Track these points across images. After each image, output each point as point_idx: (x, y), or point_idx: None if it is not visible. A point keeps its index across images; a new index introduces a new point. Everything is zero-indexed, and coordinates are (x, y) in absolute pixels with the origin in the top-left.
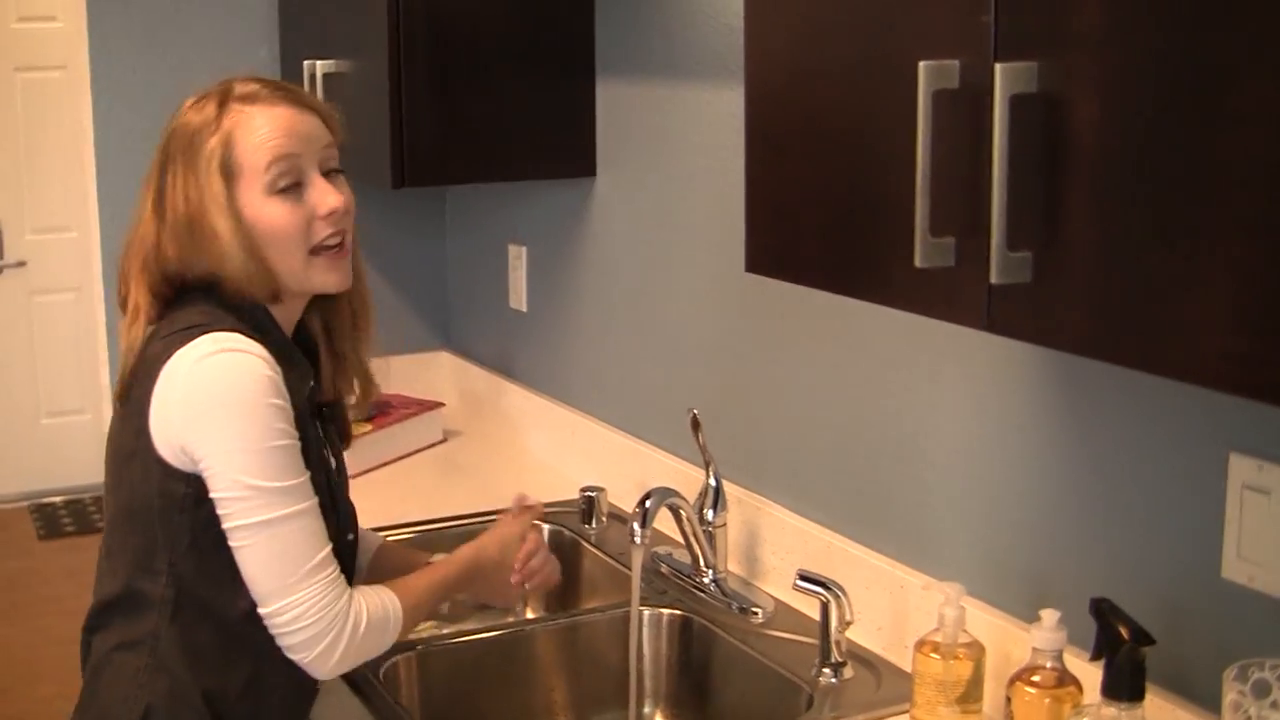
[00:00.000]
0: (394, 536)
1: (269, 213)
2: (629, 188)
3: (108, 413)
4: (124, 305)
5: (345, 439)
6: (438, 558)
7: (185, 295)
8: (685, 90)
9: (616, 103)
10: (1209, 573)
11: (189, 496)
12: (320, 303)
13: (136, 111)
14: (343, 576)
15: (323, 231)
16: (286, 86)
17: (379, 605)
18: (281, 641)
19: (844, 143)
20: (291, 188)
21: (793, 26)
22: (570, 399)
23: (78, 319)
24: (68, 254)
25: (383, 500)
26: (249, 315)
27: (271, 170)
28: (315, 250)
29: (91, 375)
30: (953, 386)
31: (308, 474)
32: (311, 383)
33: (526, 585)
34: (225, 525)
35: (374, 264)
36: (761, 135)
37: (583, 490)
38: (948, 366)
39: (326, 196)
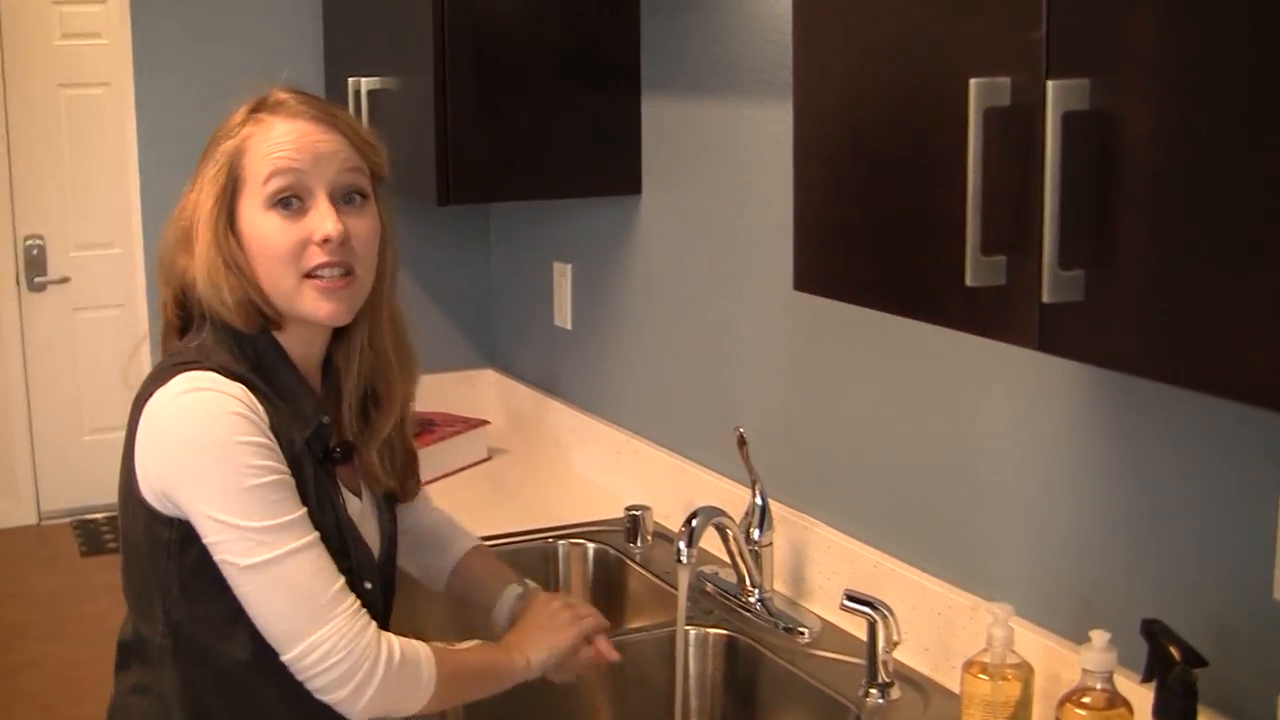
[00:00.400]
0: None
1: (262, 227)
2: (674, 205)
3: None
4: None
5: (396, 495)
6: (529, 583)
7: (197, 319)
8: (731, 106)
9: (662, 119)
10: (1261, 594)
11: (174, 542)
12: (340, 336)
13: (180, 128)
14: (364, 609)
15: (316, 258)
16: (319, 102)
17: (412, 651)
18: (311, 685)
19: (894, 160)
20: (291, 205)
21: (842, 44)
22: (615, 417)
23: (121, 335)
24: (111, 270)
25: None
26: (250, 346)
27: (271, 183)
28: (309, 275)
29: (135, 392)
30: (1002, 405)
31: (303, 509)
32: (324, 419)
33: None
34: (224, 571)
35: (420, 280)
36: (810, 153)
37: (628, 509)
38: (997, 385)
39: (325, 222)
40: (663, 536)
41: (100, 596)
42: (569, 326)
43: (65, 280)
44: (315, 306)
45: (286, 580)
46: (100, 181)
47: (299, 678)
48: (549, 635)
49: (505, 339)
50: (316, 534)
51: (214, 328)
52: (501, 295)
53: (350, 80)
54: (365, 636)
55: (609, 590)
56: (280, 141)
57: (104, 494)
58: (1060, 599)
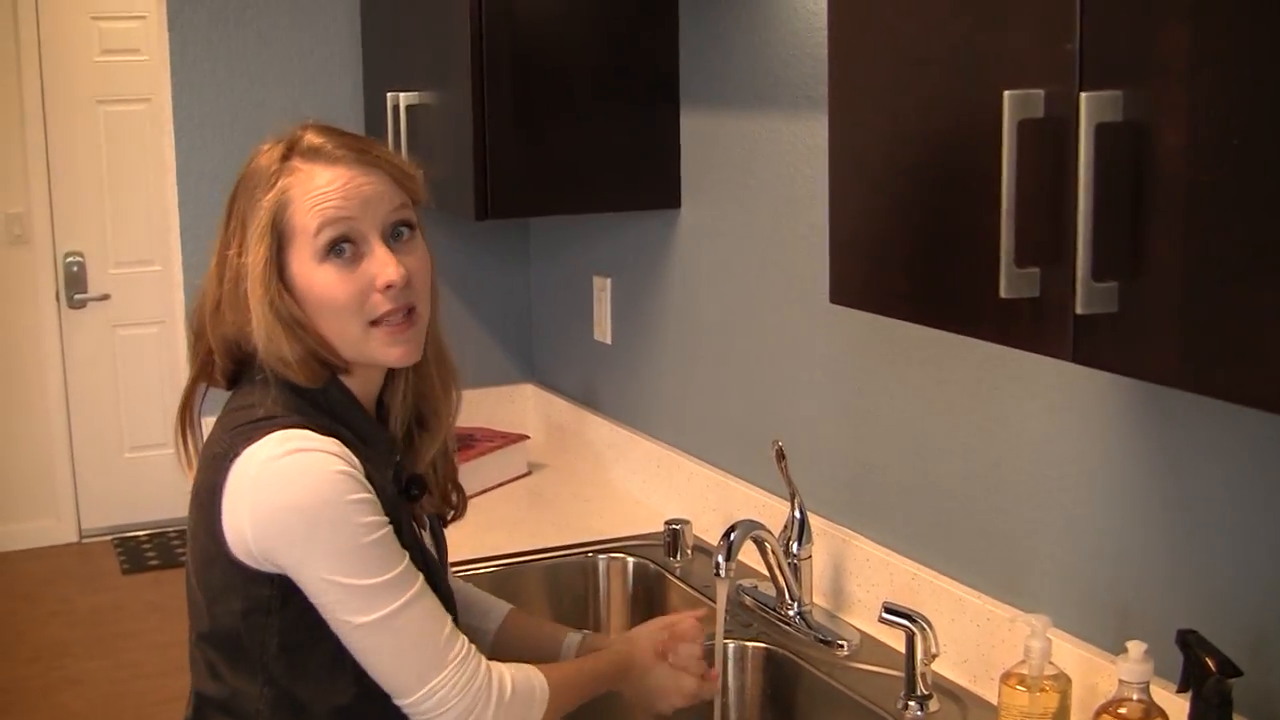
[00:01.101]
0: (478, 570)
1: (319, 280)
2: (713, 219)
3: None
4: (191, 361)
5: (444, 514)
6: (571, 635)
7: (253, 368)
8: (769, 120)
9: (700, 133)
10: None
11: (274, 599)
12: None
13: (219, 144)
14: (473, 646)
15: (381, 306)
16: (356, 142)
17: (524, 678)
18: None
19: (928, 173)
20: (345, 254)
21: (877, 57)
22: (655, 431)
23: (161, 353)
24: (151, 287)
25: (467, 533)
26: (321, 395)
27: (323, 235)
28: (375, 322)
29: (175, 409)
30: (1038, 417)
31: (407, 555)
32: (397, 458)
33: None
34: (337, 628)
35: (458, 295)
36: (845, 165)
37: (667, 523)
38: (1033, 397)
39: (386, 268)
40: (702, 550)
41: (142, 614)
42: (609, 341)
43: (105, 297)
44: (386, 352)
45: (403, 632)
46: (140, 198)
47: (415, 716)
48: (661, 684)
49: (545, 353)
50: (422, 578)
51: (277, 382)
52: (541, 310)
53: (389, 95)
54: (479, 677)
55: (649, 604)
56: (326, 191)
57: (145, 511)
58: (1098, 610)
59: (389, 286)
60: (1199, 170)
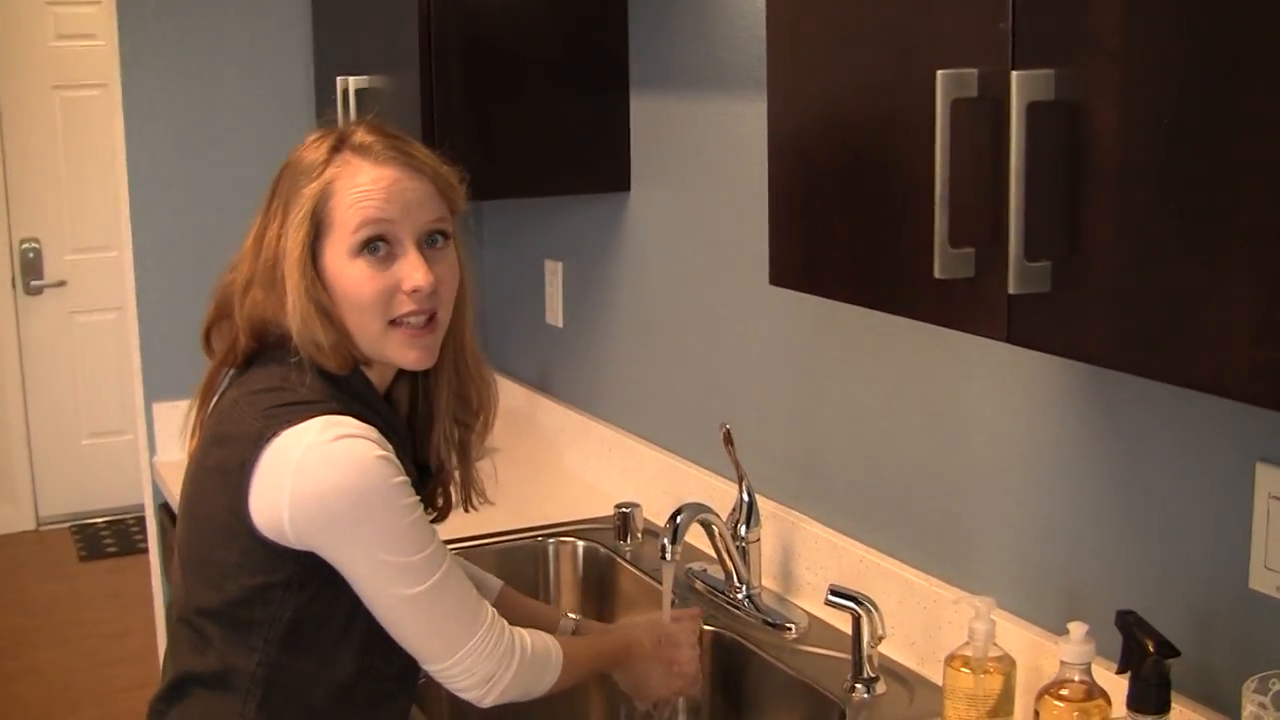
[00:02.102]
0: None
1: (349, 274)
2: (663, 202)
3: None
4: (206, 338)
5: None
6: (570, 615)
7: (274, 348)
8: (718, 103)
9: (650, 117)
10: (1237, 584)
11: (295, 576)
12: (413, 376)
13: (169, 130)
14: (495, 610)
15: (404, 306)
16: (405, 145)
17: (541, 643)
18: (452, 686)
19: (865, 154)
20: (379, 252)
21: (813, 37)
22: (606, 415)
23: (119, 339)
24: (108, 273)
25: None
26: (347, 383)
27: (360, 233)
28: (395, 322)
29: (133, 396)
30: (983, 399)
31: (435, 531)
32: (410, 447)
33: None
34: (384, 604)
35: None
36: (784, 147)
37: (617, 507)
38: (978, 379)
39: (415, 273)
40: (652, 534)
41: (100, 602)
42: (560, 324)
43: (62, 284)
44: (402, 354)
45: (444, 601)
46: (96, 184)
47: (442, 682)
48: (647, 680)
49: (499, 338)
50: (449, 550)
51: (311, 367)
52: (495, 293)
53: (339, 79)
54: (504, 641)
55: (599, 588)
56: (370, 189)
57: (103, 499)
58: (1043, 591)
59: (415, 290)
60: (1130, 149)
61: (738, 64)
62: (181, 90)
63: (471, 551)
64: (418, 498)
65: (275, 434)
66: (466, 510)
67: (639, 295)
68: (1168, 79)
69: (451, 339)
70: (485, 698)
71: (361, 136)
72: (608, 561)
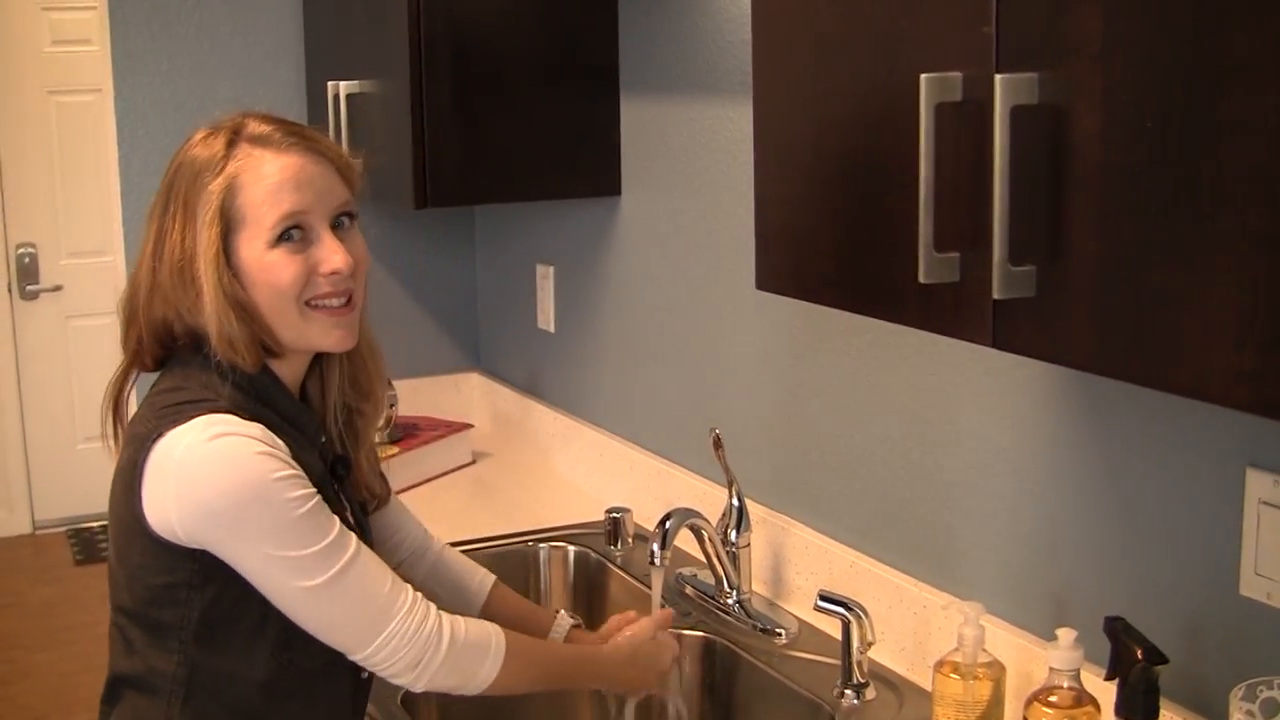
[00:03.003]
0: None
1: (268, 263)
2: (653, 206)
3: None
4: (124, 347)
5: (365, 503)
6: (562, 611)
7: (182, 351)
8: (708, 108)
9: (640, 120)
10: (1227, 590)
11: (196, 574)
12: (318, 359)
13: (162, 135)
14: (420, 595)
15: (321, 289)
16: (303, 131)
17: (479, 629)
18: (380, 672)
19: (850, 158)
20: (294, 239)
21: (798, 41)
22: (598, 419)
23: (114, 344)
24: (103, 278)
25: None
26: (247, 380)
27: (277, 226)
28: (312, 304)
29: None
30: (973, 404)
31: (338, 519)
32: (323, 439)
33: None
34: (286, 598)
35: (406, 284)
36: (769, 151)
37: (608, 512)
38: (967, 384)
39: (334, 256)
40: (643, 539)
41: (94, 606)
42: (552, 329)
43: (58, 289)
44: (325, 336)
45: (349, 590)
46: (92, 189)
47: (369, 668)
48: (639, 675)
49: (491, 342)
50: (356, 538)
51: (214, 364)
52: (487, 298)
53: (329, 84)
54: (427, 624)
55: (589, 593)
56: (279, 179)
57: (98, 503)
58: (1033, 597)
59: (334, 273)
60: (1113, 153)
61: (727, 67)
62: (173, 95)
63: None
64: (310, 490)
65: (161, 434)
66: (371, 506)
67: (630, 300)
68: (1150, 83)
69: None
70: (416, 683)
71: (256, 127)
72: (598, 566)
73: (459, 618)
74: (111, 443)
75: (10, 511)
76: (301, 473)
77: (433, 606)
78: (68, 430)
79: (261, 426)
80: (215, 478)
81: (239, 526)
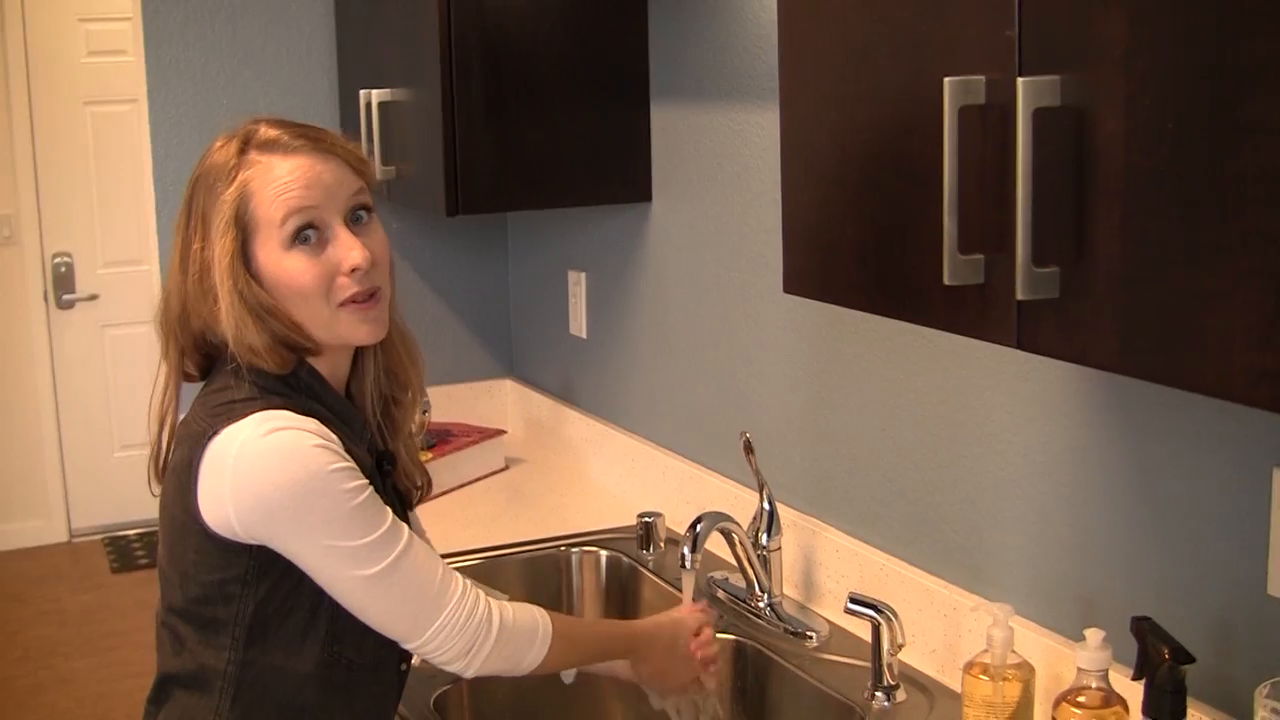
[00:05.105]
0: (454, 564)
1: (288, 267)
2: (684, 212)
3: None
4: (165, 360)
5: (411, 494)
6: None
7: (220, 360)
8: (736, 114)
9: (670, 128)
10: (1254, 589)
11: (251, 570)
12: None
13: (196, 144)
14: (469, 582)
15: (347, 289)
16: (309, 132)
17: (527, 614)
18: (432, 659)
19: (875, 161)
20: (310, 240)
21: (824, 46)
22: (630, 425)
23: (150, 352)
24: (139, 287)
25: (444, 528)
26: (294, 379)
27: (288, 224)
28: (342, 303)
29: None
30: (1000, 406)
31: (389, 510)
32: (369, 434)
33: (703, 673)
34: (344, 588)
35: (439, 291)
36: (796, 155)
37: (640, 516)
38: (995, 386)
39: (351, 252)
40: (675, 543)
41: (132, 613)
42: (584, 335)
43: (94, 297)
44: (354, 330)
45: (404, 578)
46: (127, 198)
47: (423, 657)
48: (670, 671)
49: (524, 349)
50: (408, 529)
51: (250, 370)
52: (520, 305)
53: (361, 92)
54: (478, 611)
55: (622, 597)
56: (288, 181)
57: (135, 510)
58: (1061, 598)
59: (355, 269)
60: (1136, 155)
61: (756, 73)
62: (208, 105)
63: (495, 561)
64: (364, 481)
65: (216, 432)
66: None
67: (661, 305)
68: (1172, 85)
69: None
70: (467, 669)
71: (265, 132)
72: (630, 571)
73: (506, 603)
74: (155, 467)
75: (47, 520)
76: (354, 464)
77: (482, 594)
78: (104, 439)
79: (316, 421)
80: (273, 472)
81: (298, 519)
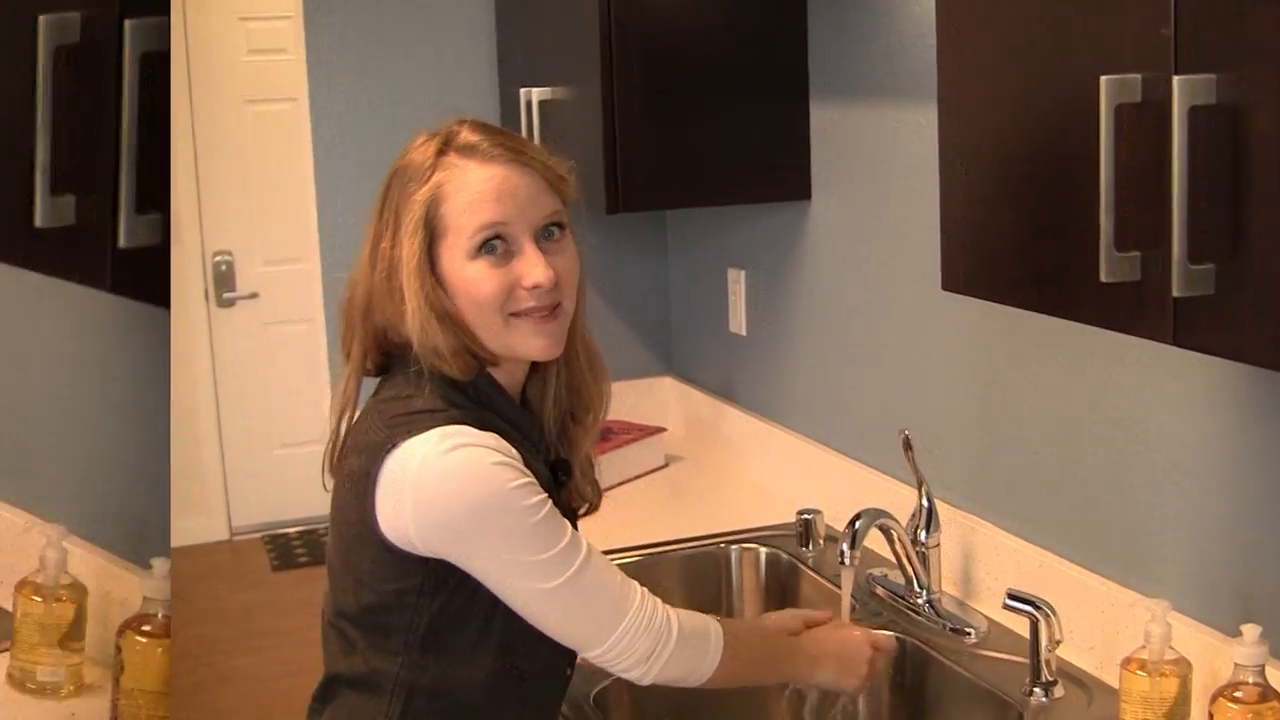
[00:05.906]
0: (615, 561)
1: (468, 275)
2: (844, 210)
3: None
4: (346, 353)
5: (579, 507)
6: None
7: (405, 357)
8: (896, 110)
9: (830, 125)
10: None
11: (428, 582)
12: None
13: (356, 142)
14: (644, 588)
15: (524, 302)
16: (511, 141)
17: (700, 621)
18: (611, 669)
19: (1032, 159)
20: (496, 250)
21: (982, 44)
22: (789, 422)
23: (310, 350)
24: (299, 285)
25: (604, 525)
26: (472, 388)
27: (476, 234)
28: (517, 313)
29: (324, 406)
30: (1158, 403)
31: (568, 522)
32: (545, 446)
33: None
34: (526, 600)
35: (598, 289)
36: (954, 153)
37: (799, 513)
38: (1152, 383)
39: (534, 269)
40: (834, 540)
41: (292, 611)
42: (744, 333)
43: (254, 295)
44: (528, 344)
45: (585, 589)
46: (287, 196)
47: (602, 666)
48: (842, 664)
49: (683, 346)
50: (586, 540)
51: (433, 375)
52: (679, 302)
53: (521, 91)
54: (657, 617)
55: (781, 594)
56: (481, 190)
57: (295, 508)
58: (1219, 594)
59: (535, 287)
60: None
61: (916, 70)
62: (367, 103)
63: (654, 558)
64: (544, 495)
65: (395, 444)
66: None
67: (820, 303)
68: None
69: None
70: (646, 676)
71: (466, 136)
72: (790, 568)
73: (679, 610)
74: (329, 460)
75: (208, 518)
76: (534, 479)
77: (659, 600)
78: (264, 436)
79: (496, 436)
80: (455, 490)
81: (479, 536)
